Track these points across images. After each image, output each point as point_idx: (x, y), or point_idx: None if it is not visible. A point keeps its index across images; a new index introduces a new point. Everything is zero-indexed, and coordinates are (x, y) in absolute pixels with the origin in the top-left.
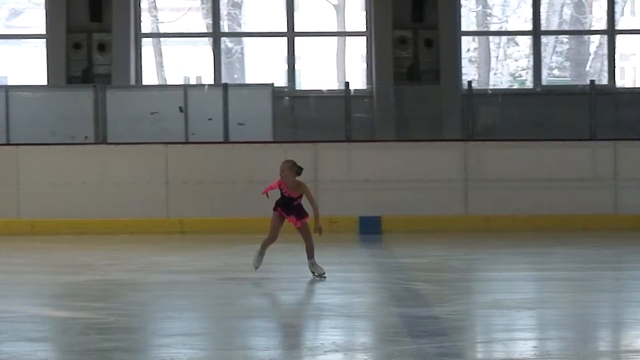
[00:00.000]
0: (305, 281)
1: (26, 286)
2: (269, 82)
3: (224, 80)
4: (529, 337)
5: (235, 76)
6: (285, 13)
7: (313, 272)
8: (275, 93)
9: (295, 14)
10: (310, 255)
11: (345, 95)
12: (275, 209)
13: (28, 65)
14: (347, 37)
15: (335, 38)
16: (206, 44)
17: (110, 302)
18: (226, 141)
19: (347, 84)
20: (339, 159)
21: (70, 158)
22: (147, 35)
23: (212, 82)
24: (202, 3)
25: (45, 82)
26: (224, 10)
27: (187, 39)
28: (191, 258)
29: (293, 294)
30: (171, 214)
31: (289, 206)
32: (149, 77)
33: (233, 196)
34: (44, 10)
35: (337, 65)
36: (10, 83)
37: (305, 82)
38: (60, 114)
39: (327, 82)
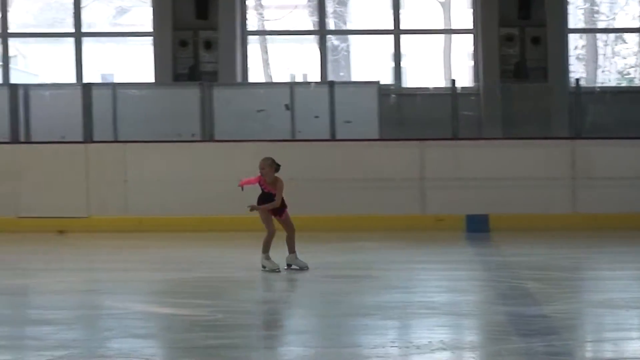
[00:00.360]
0: (411, 279)
1: (134, 283)
2: (375, 79)
3: (330, 77)
4: (639, 337)
5: (341, 74)
6: (391, 10)
7: (289, 265)
8: (382, 91)
9: (401, 11)
10: (292, 249)
11: (451, 93)
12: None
13: (135, 63)
14: (454, 35)
15: (441, 36)
16: (312, 42)
17: (216, 300)
18: (332, 139)
19: (453, 81)
20: (445, 157)
21: (177, 155)
22: (253, 33)
23: (318, 79)
24: (308, 1)
25: (152, 80)
26: (329, 7)
27: (293, 36)
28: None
29: (399, 292)
30: None
31: (270, 201)
32: (255, 74)
33: (339, 194)
34: (151, 8)
35: (443, 63)
36: (117, 81)
37: (412, 79)
38: (167, 111)
39: (434, 79)
